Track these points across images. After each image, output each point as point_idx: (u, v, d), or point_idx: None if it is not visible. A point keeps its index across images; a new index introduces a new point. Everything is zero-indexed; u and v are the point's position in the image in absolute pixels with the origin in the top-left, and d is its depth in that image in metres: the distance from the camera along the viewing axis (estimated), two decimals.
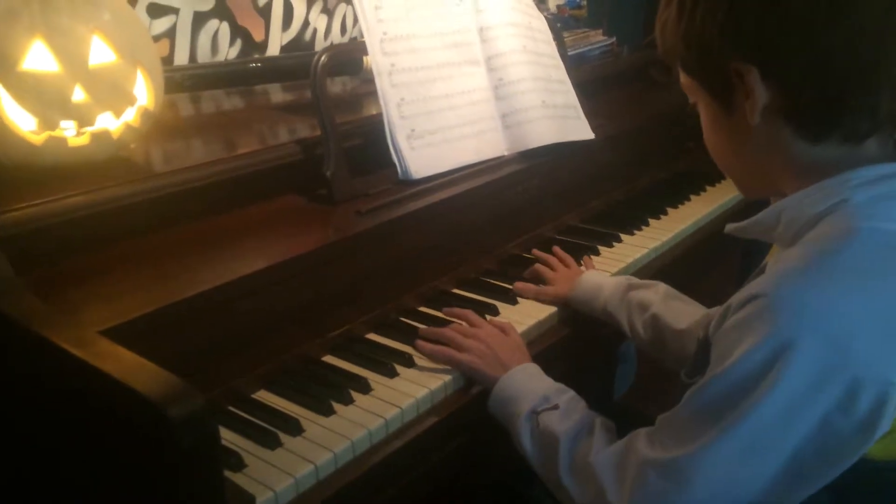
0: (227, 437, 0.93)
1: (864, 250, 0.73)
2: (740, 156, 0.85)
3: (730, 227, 0.88)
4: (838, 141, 0.77)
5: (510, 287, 1.30)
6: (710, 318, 1.10)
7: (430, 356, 1.08)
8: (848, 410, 0.70)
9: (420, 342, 1.10)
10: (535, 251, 1.41)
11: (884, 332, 0.70)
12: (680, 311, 1.15)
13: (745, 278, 0.85)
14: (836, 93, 0.74)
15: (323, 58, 1.19)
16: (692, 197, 1.73)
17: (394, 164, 1.25)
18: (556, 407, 0.94)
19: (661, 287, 1.20)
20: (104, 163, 1.07)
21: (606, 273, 1.33)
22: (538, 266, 1.35)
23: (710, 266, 1.67)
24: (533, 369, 1.03)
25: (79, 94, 1.01)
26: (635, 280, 1.24)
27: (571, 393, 0.98)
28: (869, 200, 0.74)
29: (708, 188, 1.78)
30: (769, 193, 0.85)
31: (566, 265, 1.36)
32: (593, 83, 1.72)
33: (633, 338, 1.19)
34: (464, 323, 1.16)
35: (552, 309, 1.25)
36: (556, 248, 1.41)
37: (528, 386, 0.99)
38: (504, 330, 1.12)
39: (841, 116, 0.75)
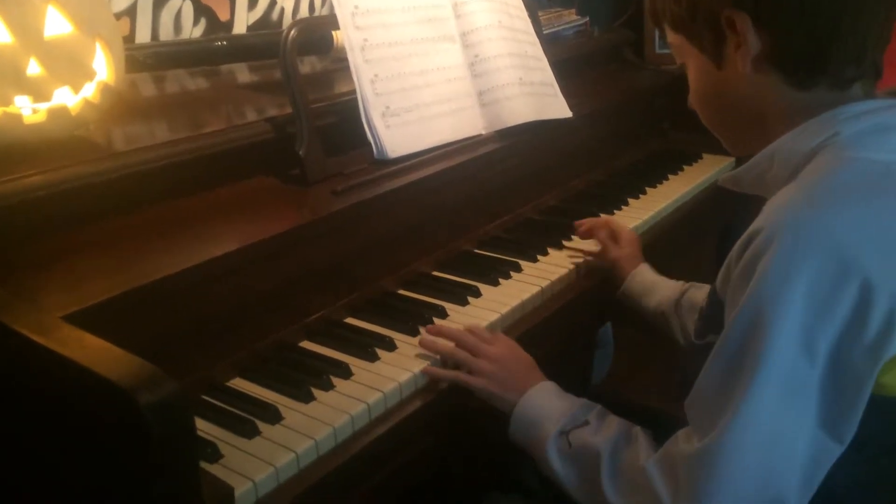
0: (203, 427, 0.88)
1: (858, 174, 0.74)
2: (730, 109, 0.86)
3: (723, 178, 0.89)
4: (826, 87, 0.79)
5: (491, 268, 1.26)
6: None
7: (440, 379, 1.00)
8: (859, 333, 0.69)
9: (428, 368, 1.01)
10: (579, 222, 1.37)
11: (887, 245, 0.70)
12: None
13: (724, 256, 0.82)
14: (824, 39, 0.77)
15: (293, 32, 1.15)
16: (670, 176, 1.72)
17: (369, 144, 1.21)
18: (586, 423, 0.89)
19: None
20: (62, 141, 1.01)
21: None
22: (592, 221, 1.35)
23: (689, 245, 1.66)
24: (550, 387, 0.97)
25: (34, 68, 0.95)
26: (690, 284, 1.21)
27: (599, 407, 0.93)
28: (858, 133, 0.76)
29: (685, 167, 1.77)
30: (759, 146, 0.84)
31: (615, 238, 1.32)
32: (568, 62, 1.69)
33: (685, 341, 1.16)
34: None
35: (534, 290, 1.22)
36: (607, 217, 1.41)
37: (551, 406, 0.94)
38: (510, 346, 1.04)
39: (829, 62, 0.77)
